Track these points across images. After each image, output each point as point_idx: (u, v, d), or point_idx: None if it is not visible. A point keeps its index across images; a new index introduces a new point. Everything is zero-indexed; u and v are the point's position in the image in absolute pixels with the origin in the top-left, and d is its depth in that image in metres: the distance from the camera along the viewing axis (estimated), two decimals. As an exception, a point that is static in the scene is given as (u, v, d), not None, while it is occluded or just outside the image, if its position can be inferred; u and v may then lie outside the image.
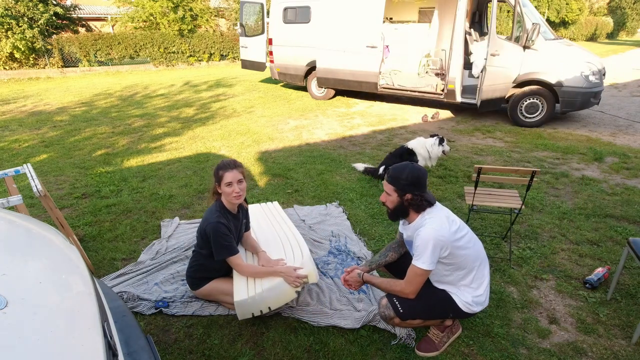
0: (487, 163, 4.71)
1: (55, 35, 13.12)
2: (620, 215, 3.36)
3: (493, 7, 5.87)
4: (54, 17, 12.85)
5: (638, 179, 4.17)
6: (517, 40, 6.00)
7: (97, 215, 3.41)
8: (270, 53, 8.68)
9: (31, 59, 12.72)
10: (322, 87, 8.39)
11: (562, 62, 5.96)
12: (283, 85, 10.32)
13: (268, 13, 8.40)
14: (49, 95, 9.42)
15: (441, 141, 4.06)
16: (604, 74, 6.26)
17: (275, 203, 3.06)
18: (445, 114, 7.27)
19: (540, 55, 5.96)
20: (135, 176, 4.29)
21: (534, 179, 2.55)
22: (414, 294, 1.81)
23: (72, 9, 14.10)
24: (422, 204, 1.79)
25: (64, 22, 13.79)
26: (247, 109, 7.68)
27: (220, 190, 2.12)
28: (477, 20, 8.16)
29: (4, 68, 12.43)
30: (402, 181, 1.78)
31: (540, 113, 6.22)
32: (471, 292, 1.84)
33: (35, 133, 6.05)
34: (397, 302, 1.85)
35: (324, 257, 2.80)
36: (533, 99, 6.18)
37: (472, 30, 7.62)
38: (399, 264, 2.10)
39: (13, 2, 11.87)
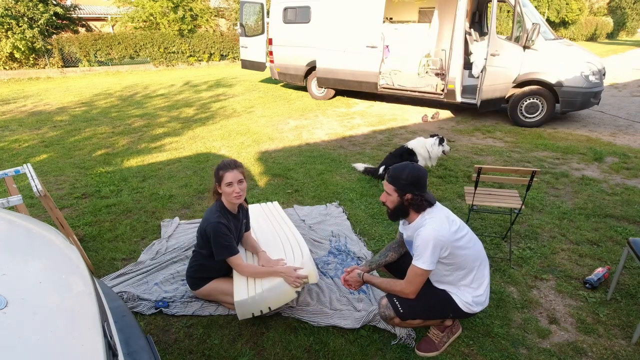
0: (487, 163, 4.71)
1: (55, 35, 13.12)
2: (620, 215, 3.36)
3: (493, 7, 5.87)
4: (54, 17, 12.85)
5: (638, 179, 4.17)
6: (517, 40, 6.00)
7: (97, 215, 3.41)
8: (270, 53, 8.68)
9: (31, 59, 12.72)
10: (322, 87, 8.39)
11: (562, 62, 5.96)
12: (283, 85, 10.31)
13: (268, 13, 8.40)
14: (49, 95, 9.42)
15: (441, 141, 4.06)
16: (604, 74, 6.26)
17: (275, 203, 3.06)
18: (445, 114, 7.27)
19: (540, 55, 5.96)
20: (135, 176, 4.29)
21: (534, 179, 2.55)
22: (414, 294, 1.81)
23: (72, 9, 14.10)
24: (422, 204, 1.80)
25: (64, 22, 13.79)
26: (247, 109, 7.68)
27: (220, 190, 2.12)
28: (477, 20, 8.15)
29: (4, 68, 12.43)
30: (402, 181, 1.78)
31: (540, 113, 6.22)
32: (471, 292, 1.84)
33: (35, 133, 6.05)
34: (397, 302, 1.85)
35: (324, 257, 2.80)
36: (533, 99, 6.18)
37: (472, 30, 7.62)
38: (399, 264, 2.10)
39: (13, 2, 11.87)
